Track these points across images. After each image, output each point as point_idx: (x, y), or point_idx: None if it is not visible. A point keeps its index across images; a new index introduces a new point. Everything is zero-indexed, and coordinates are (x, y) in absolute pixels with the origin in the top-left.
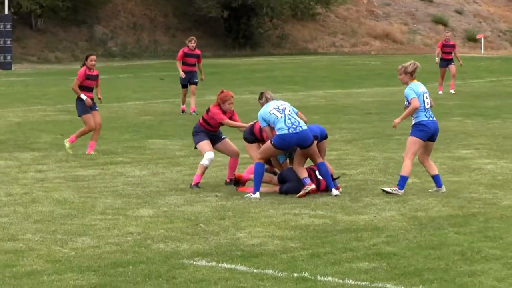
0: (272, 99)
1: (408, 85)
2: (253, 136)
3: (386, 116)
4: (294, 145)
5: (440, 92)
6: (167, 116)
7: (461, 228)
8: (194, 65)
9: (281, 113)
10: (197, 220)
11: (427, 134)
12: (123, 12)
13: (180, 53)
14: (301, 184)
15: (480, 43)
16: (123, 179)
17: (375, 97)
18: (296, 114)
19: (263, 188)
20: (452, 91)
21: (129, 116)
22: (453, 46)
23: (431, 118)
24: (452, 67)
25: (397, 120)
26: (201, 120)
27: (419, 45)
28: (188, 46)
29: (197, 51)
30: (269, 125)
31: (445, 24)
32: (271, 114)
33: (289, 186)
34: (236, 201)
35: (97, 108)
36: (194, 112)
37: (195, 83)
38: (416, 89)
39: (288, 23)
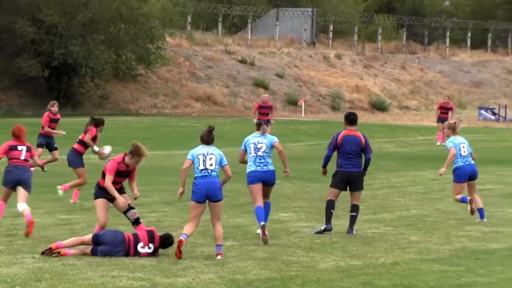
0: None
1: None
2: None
3: None
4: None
5: None
6: None
7: None
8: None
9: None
10: (13, 283)
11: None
12: None
13: (46, 118)
14: (116, 247)
15: (300, 106)
16: None
17: None
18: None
19: (74, 250)
20: None
21: None
22: (270, 107)
23: (467, 163)
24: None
25: (442, 170)
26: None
27: (240, 108)
28: (50, 110)
29: (59, 115)
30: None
31: (266, 87)
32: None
33: (104, 248)
34: (54, 263)
35: None
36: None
37: (56, 149)
38: (453, 141)
39: (110, 83)
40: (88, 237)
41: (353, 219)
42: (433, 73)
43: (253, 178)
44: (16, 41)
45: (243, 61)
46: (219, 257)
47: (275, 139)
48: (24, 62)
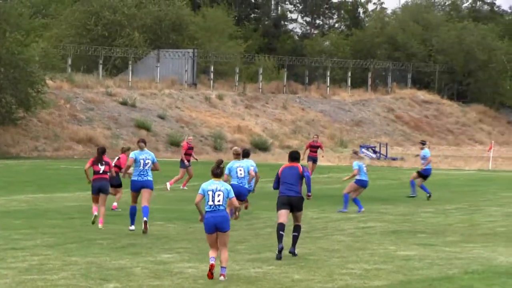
0: None
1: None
2: None
3: (88, 221)
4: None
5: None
6: None
7: None
8: None
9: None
10: None
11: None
12: None
13: None
14: None
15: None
16: None
17: (78, 201)
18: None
19: None
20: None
21: None
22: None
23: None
24: (190, 169)
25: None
26: None
27: None
28: None
29: None
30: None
31: (148, 129)
32: None
33: None
34: None
35: None
36: None
37: None
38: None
39: None
40: None
41: (295, 239)
42: (314, 113)
43: None
44: None
45: (124, 103)
46: (222, 277)
47: None
48: None
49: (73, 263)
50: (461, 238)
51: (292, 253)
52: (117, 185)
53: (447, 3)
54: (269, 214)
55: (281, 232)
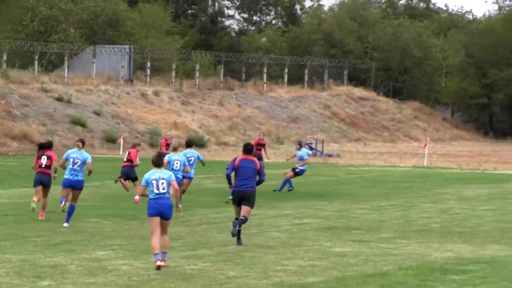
0: None
1: None
2: None
3: (22, 218)
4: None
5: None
6: None
7: None
8: None
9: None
10: None
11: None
12: None
13: None
14: None
15: (119, 144)
16: None
17: (12, 198)
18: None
19: None
20: None
21: None
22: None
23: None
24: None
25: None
26: None
27: (57, 146)
28: None
29: None
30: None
31: (83, 125)
32: None
33: None
34: None
35: None
36: None
37: None
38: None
39: None
40: None
41: (240, 222)
42: (250, 109)
43: None
44: None
45: (60, 99)
46: (163, 263)
47: None
48: None
49: (7, 260)
50: (396, 235)
51: (239, 244)
52: (133, 178)
53: (383, 0)
54: (205, 211)
55: (238, 220)
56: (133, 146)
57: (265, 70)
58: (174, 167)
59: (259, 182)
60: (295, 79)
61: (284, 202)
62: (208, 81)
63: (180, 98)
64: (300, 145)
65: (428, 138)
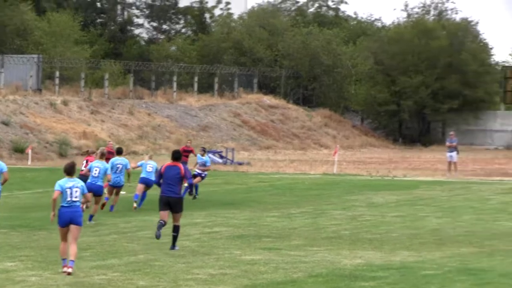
0: None
1: None
2: None
3: None
4: None
5: None
6: None
7: None
8: None
9: None
10: None
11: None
12: None
13: None
14: None
15: (27, 154)
16: None
17: None
18: None
19: None
20: None
21: None
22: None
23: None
24: None
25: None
26: None
27: None
28: None
29: None
30: None
31: None
32: None
33: None
34: None
35: None
36: None
37: None
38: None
39: None
40: None
41: (174, 238)
42: (160, 118)
43: None
44: None
45: None
46: (69, 269)
47: None
48: None
49: None
50: (306, 242)
51: (172, 249)
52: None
53: (292, 8)
54: (114, 221)
55: (161, 222)
56: (89, 154)
57: (175, 78)
58: (93, 173)
59: (190, 185)
60: (205, 88)
61: (194, 211)
62: (118, 90)
63: (90, 107)
64: (204, 151)
65: (338, 146)
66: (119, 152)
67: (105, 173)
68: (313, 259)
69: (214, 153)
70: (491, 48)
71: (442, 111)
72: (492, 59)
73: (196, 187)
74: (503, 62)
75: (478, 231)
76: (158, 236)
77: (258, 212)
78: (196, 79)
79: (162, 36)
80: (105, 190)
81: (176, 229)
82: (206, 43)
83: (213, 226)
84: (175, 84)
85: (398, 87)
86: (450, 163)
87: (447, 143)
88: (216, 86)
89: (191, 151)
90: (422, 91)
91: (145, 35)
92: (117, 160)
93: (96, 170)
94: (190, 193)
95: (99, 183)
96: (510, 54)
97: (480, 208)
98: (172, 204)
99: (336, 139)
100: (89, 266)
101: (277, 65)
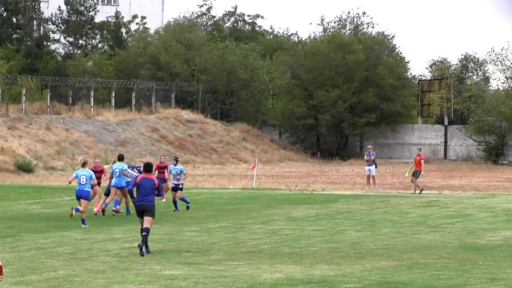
0: None
1: None
2: None
3: None
4: None
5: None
6: None
7: None
8: None
9: None
10: None
11: None
12: None
13: None
14: None
15: None
16: None
17: None
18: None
19: None
20: None
21: None
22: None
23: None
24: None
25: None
26: None
27: None
28: None
29: None
30: None
31: None
32: None
33: None
34: None
35: None
36: None
37: None
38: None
39: None
40: None
41: (145, 238)
42: (78, 133)
43: None
44: None
45: None
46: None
47: None
48: None
49: None
50: (226, 256)
51: (147, 252)
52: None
53: (209, 23)
54: (33, 237)
55: (144, 233)
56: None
57: (92, 93)
58: (81, 181)
59: (158, 195)
60: (123, 103)
61: (113, 226)
62: (35, 105)
63: (7, 123)
64: (176, 160)
65: (256, 160)
66: (120, 158)
67: (90, 179)
68: (233, 274)
69: (132, 168)
70: (407, 62)
71: (359, 125)
72: (409, 73)
73: (182, 198)
74: (420, 75)
75: (397, 244)
76: (141, 248)
77: (177, 227)
78: (113, 94)
79: (79, 51)
80: (104, 195)
81: (146, 230)
82: (123, 58)
83: (133, 241)
84: (92, 99)
85: (316, 101)
86: (368, 176)
87: (365, 157)
88: (133, 101)
89: (165, 167)
90: (340, 105)
91: (61, 50)
92: (118, 165)
93: (83, 178)
94: (175, 210)
95: (86, 189)
96: (426, 68)
97: (399, 222)
98: (145, 209)
99: (254, 154)
100: (8, 283)
101: (195, 80)
